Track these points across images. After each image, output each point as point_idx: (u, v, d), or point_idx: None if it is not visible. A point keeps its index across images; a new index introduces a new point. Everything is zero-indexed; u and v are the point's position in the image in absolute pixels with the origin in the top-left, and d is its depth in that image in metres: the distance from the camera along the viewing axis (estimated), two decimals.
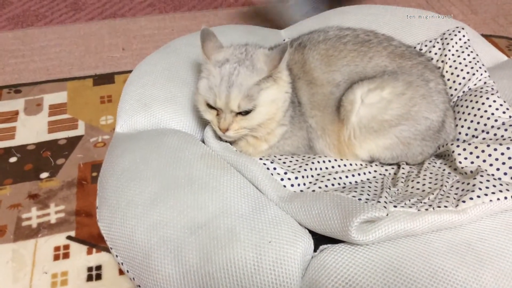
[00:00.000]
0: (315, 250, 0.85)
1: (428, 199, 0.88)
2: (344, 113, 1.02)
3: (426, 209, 0.85)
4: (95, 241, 1.13)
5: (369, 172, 1.03)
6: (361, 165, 1.06)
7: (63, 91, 1.60)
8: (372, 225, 0.80)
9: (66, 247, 1.12)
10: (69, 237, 1.14)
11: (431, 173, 1.00)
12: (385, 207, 0.82)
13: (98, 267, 1.07)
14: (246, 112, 0.93)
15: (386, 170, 1.06)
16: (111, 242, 0.93)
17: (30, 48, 1.81)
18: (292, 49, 1.08)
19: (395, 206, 0.84)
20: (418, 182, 0.97)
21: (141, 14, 2.00)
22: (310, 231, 0.87)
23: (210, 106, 0.96)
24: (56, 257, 1.10)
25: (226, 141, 1.02)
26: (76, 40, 1.85)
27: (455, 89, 1.18)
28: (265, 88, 0.94)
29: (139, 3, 2.06)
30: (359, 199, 0.84)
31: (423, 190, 0.95)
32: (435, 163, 1.06)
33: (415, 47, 1.21)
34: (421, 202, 0.87)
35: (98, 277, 1.05)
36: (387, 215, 0.80)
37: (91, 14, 2.01)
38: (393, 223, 0.81)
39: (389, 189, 0.92)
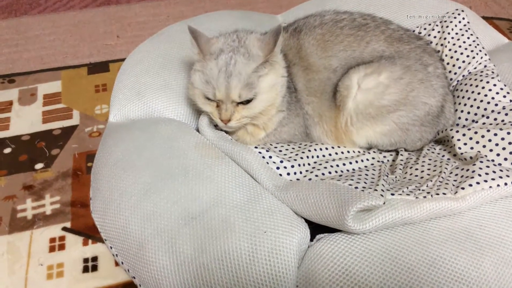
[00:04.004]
0: (311, 240, 0.84)
1: (427, 186, 0.87)
2: (341, 98, 1.00)
3: (424, 197, 0.83)
4: (91, 232, 1.11)
5: (367, 159, 1.01)
6: (359, 152, 1.04)
7: (57, 80, 1.57)
8: (369, 214, 0.79)
9: (62, 238, 1.10)
10: (64, 228, 1.12)
11: (430, 159, 0.98)
12: (382, 195, 0.80)
13: (94, 258, 1.05)
14: (247, 101, 0.92)
15: (384, 157, 1.05)
16: (105, 233, 0.92)
17: (24, 37, 1.78)
18: (287, 34, 1.06)
19: (392, 194, 0.83)
20: (416, 169, 0.96)
21: (136, 1, 1.97)
22: (306, 220, 0.86)
23: (209, 98, 0.94)
24: (52, 249, 1.08)
25: (222, 130, 1.01)
26: (70, 28, 1.82)
27: (455, 73, 1.15)
28: (263, 74, 0.92)
29: None
30: (356, 188, 0.82)
31: (422, 177, 0.93)
32: (434, 149, 1.05)
33: (413, 31, 1.19)
34: (419, 190, 0.86)
35: (94, 268, 1.03)
36: (384, 203, 0.79)
37: (85, 1, 1.97)
38: (391, 211, 0.79)
39: (387, 176, 0.91)
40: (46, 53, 1.70)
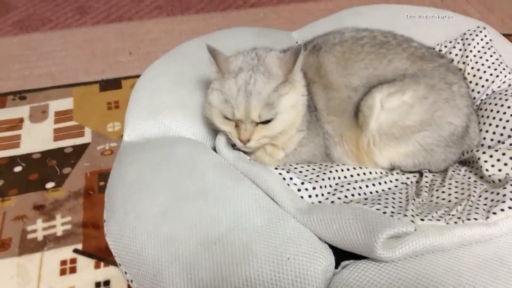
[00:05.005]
0: (336, 267, 0.80)
1: (456, 210, 0.83)
2: (363, 118, 0.97)
3: (455, 222, 0.79)
4: (103, 255, 1.08)
5: (390, 181, 0.97)
6: (381, 173, 1.01)
7: (69, 97, 1.56)
8: (399, 240, 0.75)
9: (73, 261, 1.08)
10: (76, 250, 1.10)
11: (456, 181, 0.94)
12: (412, 221, 0.77)
13: (107, 282, 1.02)
14: (267, 121, 0.89)
15: (407, 178, 1.01)
16: (120, 258, 0.88)
17: (35, 53, 1.77)
18: (306, 52, 1.03)
19: (422, 219, 0.79)
20: (443, 192, 0.92)
21: (148, 17, 1.96)
22: (330, 245, 0.82)
23: (227, 118, 0.91)
24: (63, 272, 1.06)
25: (239, 150, 0.97)
26: (82, 44, 1.81)
27: (478, 92, 1.12)
28: (284, 93, 0.89)
29: (146, 6, 2.02)
30: (384, 212, 0.78)
31: (449, 201, 0.89)
32: (460, 170, 1.01)
33: (434, 48, 1.16)
34: (449, 214, 0.82)
35: None
36: (415, 229, 0.75)
37: (97, 18, 1.97)
38: (421, 238, 0.75)
39: (414, 199, 0.87)
40: (57, 69, 1.69)
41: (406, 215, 0.78)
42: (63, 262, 1.08)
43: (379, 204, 0.81)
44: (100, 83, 1.61)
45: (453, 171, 1.00)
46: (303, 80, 0.97)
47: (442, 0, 1.93)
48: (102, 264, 1.07)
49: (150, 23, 1.92)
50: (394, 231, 0.73)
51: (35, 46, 1.81)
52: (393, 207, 0.81)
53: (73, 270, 1.06)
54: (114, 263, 1.06)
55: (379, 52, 1.00)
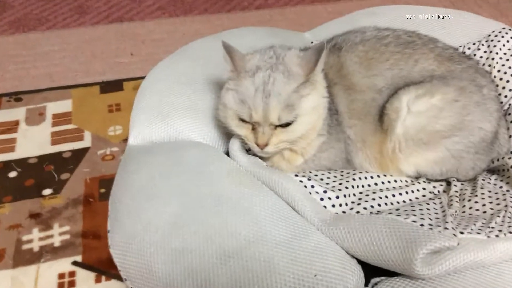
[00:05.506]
0: (366, 284, 0.73)
1: (495, 223, 0.77)
2: (388, 122, 0.91)
3: (496, 235, 0.73)
4: (104, 267, 1.02)
5: (417, 190, 0.91)
6: (406, 181, 0.94)
7: (67, 99, 1.49)
8: (438, 256, 0.68)
9: (72, 274, 1.01)
10: (75, 263, 1.04)
11: (489, 191, 0.88)
12: (454, 234, 0.70)
13: None
14: (287, 124, 0.82)
15: (434, 187, 0.94)
16: (126, 272, 0.81)
17: (32, 54, 1.70)
18: (326, 51, 0.97)
19: (461, 232, 0.72)
20: (476, 202, 0.85)
21: (150, 18, 1.89)
22: (358, 260, 0.75)
23: (243, 120, 0.84)
24: (61, 286, 0.99)
25: (255, 155, 0.90)
26: (81, 45, 1.74)
27: (505, 96, 1.06)
28: (305, 94, 0.83)
29: (148, 6, 1.96)
30: (421, 225, 0.72)
31: (484, 212, 0.83)
32: (490, 179, 0.95)
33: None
34: (488, 227, 0.75)
35: None
36: (458, 244, 0.68)
37: (97, 18, 1.90)
38: (462, 252, 0.69)
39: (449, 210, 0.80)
40: (55, 70, 1.62)
41: (446, 228, 0.71)
42: (61, 275, 1.01)
43: (414, 215, 0.74)
44: (101, 85, 1.54)
45: (483, 179, 0.94)
46: (324, 81, 0.90)
47: (453, 3, 1.88)
48: (103, 278, 1.00)
49: (152, 24, 1.86)
50: (436, 246, 0.66)
51: (32, 46, 1.74)
52: (429, 218, 0.74)
53: (71, 284, 0.99)
54: (117, 277, 1.00)
55: (405, 52, 0.94)
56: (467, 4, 1.88)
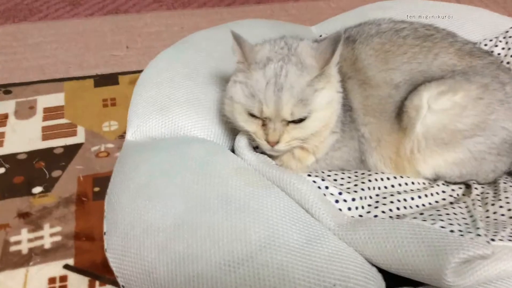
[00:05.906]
0: None
1: None
2: (407, 120, 0.85)
3: None
4: (98, 271, 0.97)
5: (437, 193, 0.85)
6: (424, 183, 0.89)
7: (59, 92, 1.44)
8: (470, 265, 0.62)
9: (63, 278, 0.97)
10: (66, 266, 0.99)
11: None
12: (488, 242, 0.64)
13: None
14: (300, 120, 0.76)
15: (453, 190, 0.89)
16: (124, 278, 0.75)
17: (23, 45, 1.64)
18: (342, 42, 0.91)
19: (492, 239, 0.67)
20: (501, 207, 0.80)
21: (147, 10, 1.83)
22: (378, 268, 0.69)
23: (252, 115, 0.78)
24: None
25: (263, 153, 0.84)
26: (75, 36, 1.68)
27: None
28: (319, 88, 0.77)
29: None
30: (451, 231, 0.66)
31: (511, 217, 0.77)
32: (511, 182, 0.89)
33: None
34: None
35: None
36: (492, 252, 0.63)
37: (91, 9, 1.83)
38: (494, 261, 0.63)
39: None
40: (47, 62, 1.56)
41: (479, 235, 0.65)
42: (52, 280, 0.95)
43: (442, 220, 0.69)
44: (95, 78, 1.48)
45: (504, 183, 0.89)
46: (338, 75, 0.85)
47: (459, 1, 1.84)
48: (97, 283, 0.95)
49: (149, 17, 1.80)
50: (469, 254, 0.60)
51: (23, 37, 1.68)
52: (458, 224, 0.69)
53: None
54: (113, 282, 0.95)
55: (424, 45, 0.89)
56: (473, 3, 1.84)
